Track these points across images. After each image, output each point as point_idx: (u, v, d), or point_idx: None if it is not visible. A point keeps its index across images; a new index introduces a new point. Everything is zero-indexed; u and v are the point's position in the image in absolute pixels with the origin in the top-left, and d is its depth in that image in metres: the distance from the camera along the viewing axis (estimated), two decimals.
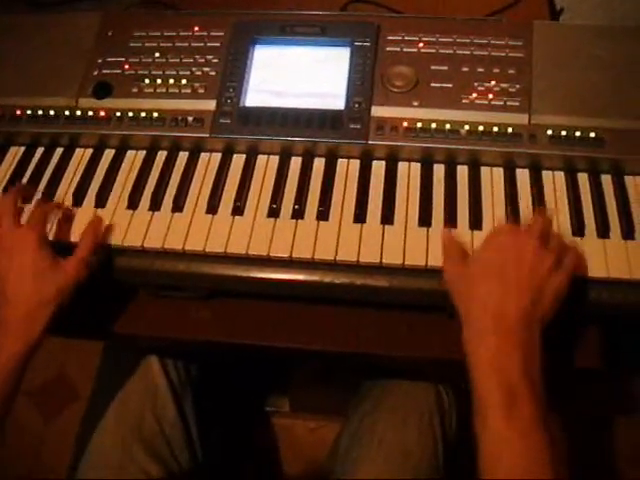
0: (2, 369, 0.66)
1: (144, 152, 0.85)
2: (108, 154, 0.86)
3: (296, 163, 0.82)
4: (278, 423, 1.35)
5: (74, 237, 0.78)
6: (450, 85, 0.82)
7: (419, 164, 0.81)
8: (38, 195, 0.82)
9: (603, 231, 0.74)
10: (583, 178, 0.79)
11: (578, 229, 0.74)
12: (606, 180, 0.78)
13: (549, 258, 0.64)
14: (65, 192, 0.83)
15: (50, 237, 0.76)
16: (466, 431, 0.84)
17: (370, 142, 0.80)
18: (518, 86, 0.81)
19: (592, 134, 0.78)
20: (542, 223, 0.69)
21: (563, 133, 0.78)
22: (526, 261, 0.63)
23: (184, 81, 0.85)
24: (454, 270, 0.68)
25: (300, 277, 0.75)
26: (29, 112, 0.87)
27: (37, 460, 1.44)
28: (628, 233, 0.74)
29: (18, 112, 0.87)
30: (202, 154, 0.84)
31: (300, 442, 1.32)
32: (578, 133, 0.78)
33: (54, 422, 1.52)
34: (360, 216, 0.76)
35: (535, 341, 0.61)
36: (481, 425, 0.59)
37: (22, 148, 0.88)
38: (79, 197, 0.82)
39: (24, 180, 0.85)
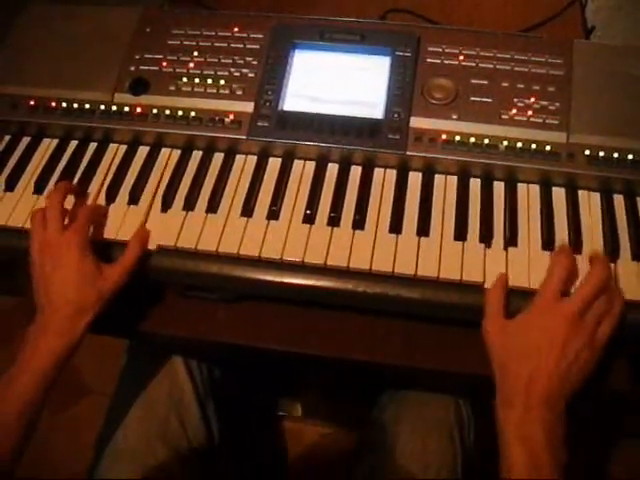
0: (41, 367, 0.67)
1: (179, 151, 0.85)
2: (142, 151, 0.85)
3: (333, 170, 0.82)
4: (289, 427, 1.35)
5: (107, 234, 0.78)
6: (490, 100, 0.82)
7: (456, 177, 0.81)
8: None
9: (638, 254, 0.74)
10: (619, 200, 0.79)
11: (612, 251, 0.74)
12: None
13: (581, 339, 0.66)
14: (98, 188, 0.82)
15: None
16: (483, 445, 0.84)
17: (408, 153, 0.79)
18: (557, 104, 0.81)
19: (630, 156, 0.78)
20: (590, 288, 0.68)
21: (601, 154, 0.78)
22: (558, 344, 0.66)
23: (222, 81, 0.85)
24: (493, 334, 0.70)
25: (333, 285, 0.74)
26: (64, 104, 0.86)
27: (43, 455, 1.42)
28: None
29: (53, 104, 0.86)
30: (238, 156, 0.84)
31: (310, 447, 1.32)
32: (616, 155, 0.78)
33: (62, 416, 1.50)
34: (396, 227, 0.76)
35: (558, 417, 0.64)
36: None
37: (55, 140, 0.88)
38: (112, 194, 0.81)
39: (56, 173, 0.84)
